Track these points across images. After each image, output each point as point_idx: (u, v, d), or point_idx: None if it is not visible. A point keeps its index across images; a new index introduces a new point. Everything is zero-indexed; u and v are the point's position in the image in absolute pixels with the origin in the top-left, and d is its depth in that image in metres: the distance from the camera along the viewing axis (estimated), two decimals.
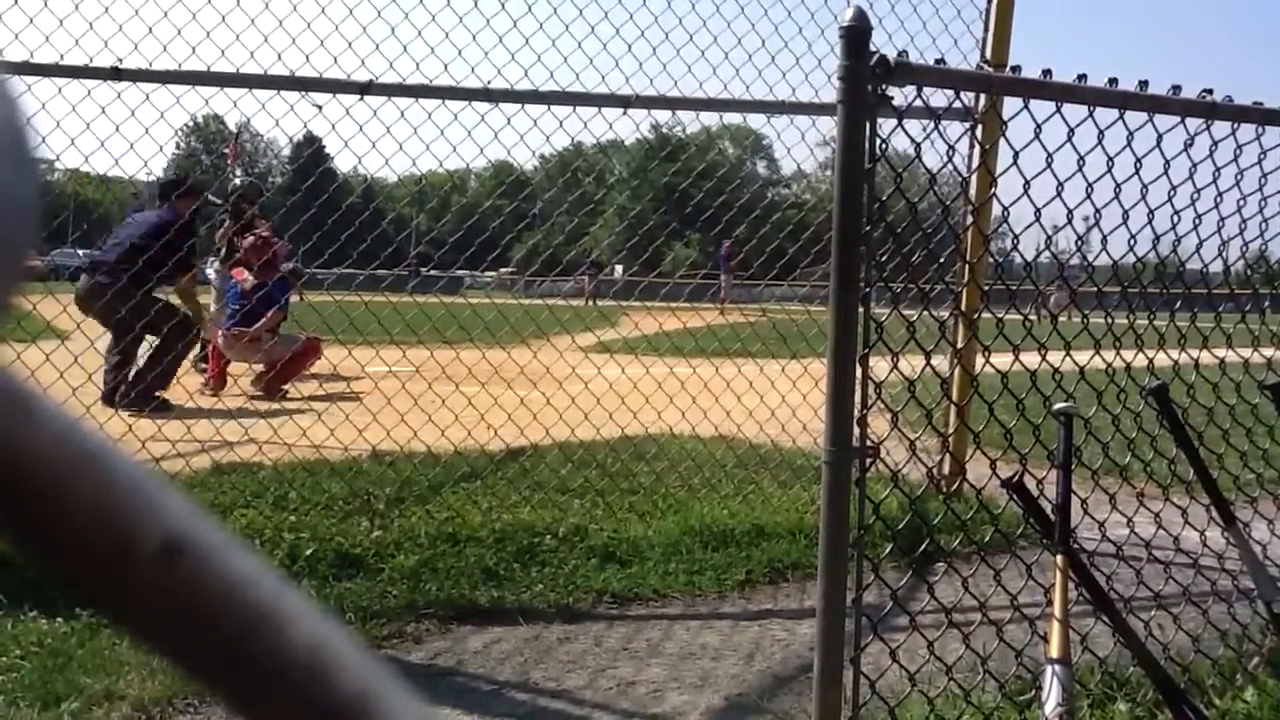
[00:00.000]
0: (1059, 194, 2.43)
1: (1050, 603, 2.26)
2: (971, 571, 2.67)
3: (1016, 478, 2.33)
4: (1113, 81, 2.37)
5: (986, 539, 2.96)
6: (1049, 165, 2.36)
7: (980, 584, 2.51)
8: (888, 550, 2.85)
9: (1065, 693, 2.12)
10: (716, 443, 5.45)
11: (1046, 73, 2.31)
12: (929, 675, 2.37)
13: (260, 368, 8.19)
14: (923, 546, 2.85)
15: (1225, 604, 2.78)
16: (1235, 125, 2.53)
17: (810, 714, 2.18)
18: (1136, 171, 2.48)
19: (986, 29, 4.44)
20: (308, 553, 3.58)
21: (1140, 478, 2.80)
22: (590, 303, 19.13)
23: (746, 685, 2.85)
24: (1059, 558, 2.26)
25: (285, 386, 8.18)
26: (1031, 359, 2.43)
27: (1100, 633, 2.44)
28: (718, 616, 3.38)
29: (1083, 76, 2.34)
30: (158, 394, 6.77)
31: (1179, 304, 2.80)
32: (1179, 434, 2.53)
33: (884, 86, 2.11)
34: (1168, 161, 2.53)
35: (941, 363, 3.12)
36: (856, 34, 2.07)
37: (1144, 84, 2.40)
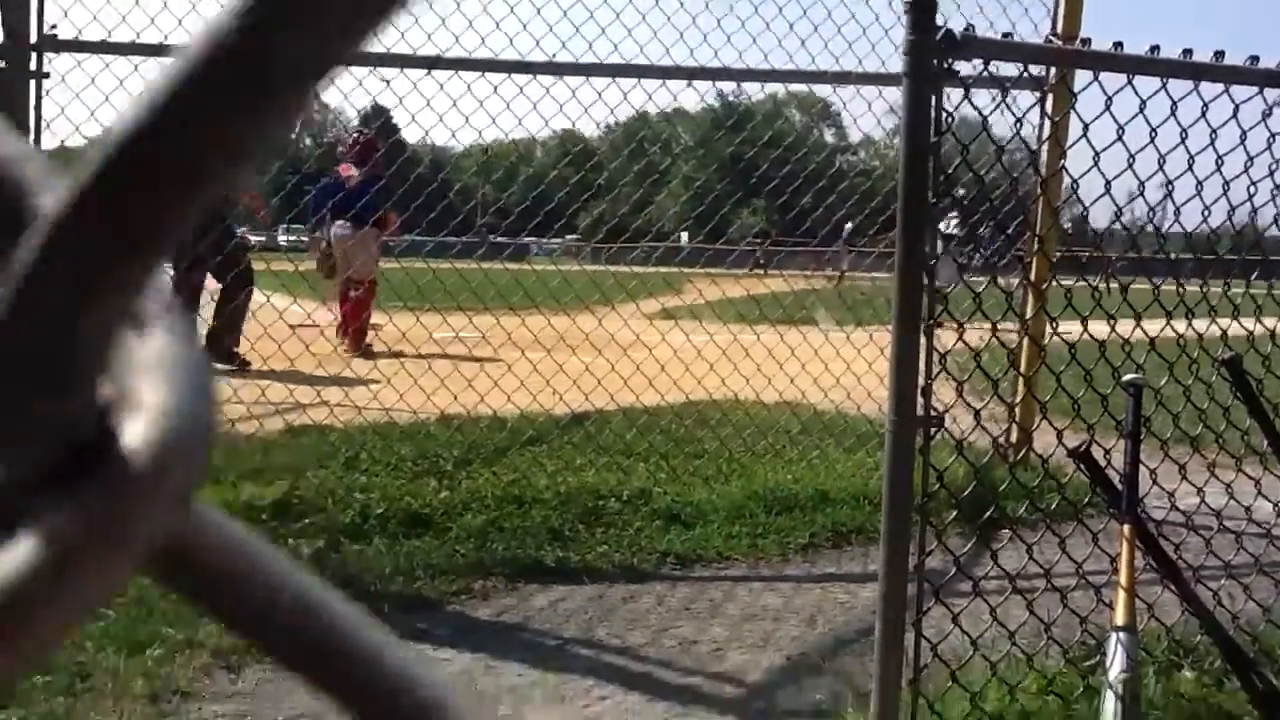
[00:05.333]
0: (1130, 166, 2.40)
1: (1116, 570, 2.26)
2: (1037, 539, 2.69)
3: (1084, 447, 2.33)
4: (1187, 53, 2.33)
5: (1052, 506, 2.97)
6: (1120, 137, 2.34)
7: (1045, 551, 2.51)
8: (952, 517, 2.87)
9: (1130, 659, 2.12)
10: (781, 409, 5.46)
11: (1118, 45, 2.28)
12: (991, 640, 2.38)
13: (338, 335, 8.33)
14: (987, 513, 2.85)
15: None
16: None
17: (872, 675, 2.21)
18: (1212, 142, 2.44)
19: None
20: (378, 512, 3.68)
21: (1211, 448, 2.77)
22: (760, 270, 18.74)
23: (808, 646, 2.89)
24: (1125, 527, 2.26)
25: (369, 340, 8.31)
26: (1101, 329, 2.41)
27: (1167, 601, 2.43)
28: (780, 579, 3.41)
29: (1155, 48, 2.31)
30: (235, 350, 6.96)
31: (1255, 273, 2.76)
32: (1253, 405, 2.50)
33: (950, 61, 2.11)
34: (1244, 132, 2.49)
35: (1008, 333, 3.11)
36: (922, 7, 2.07)
37: (1220, 54, 2.36)
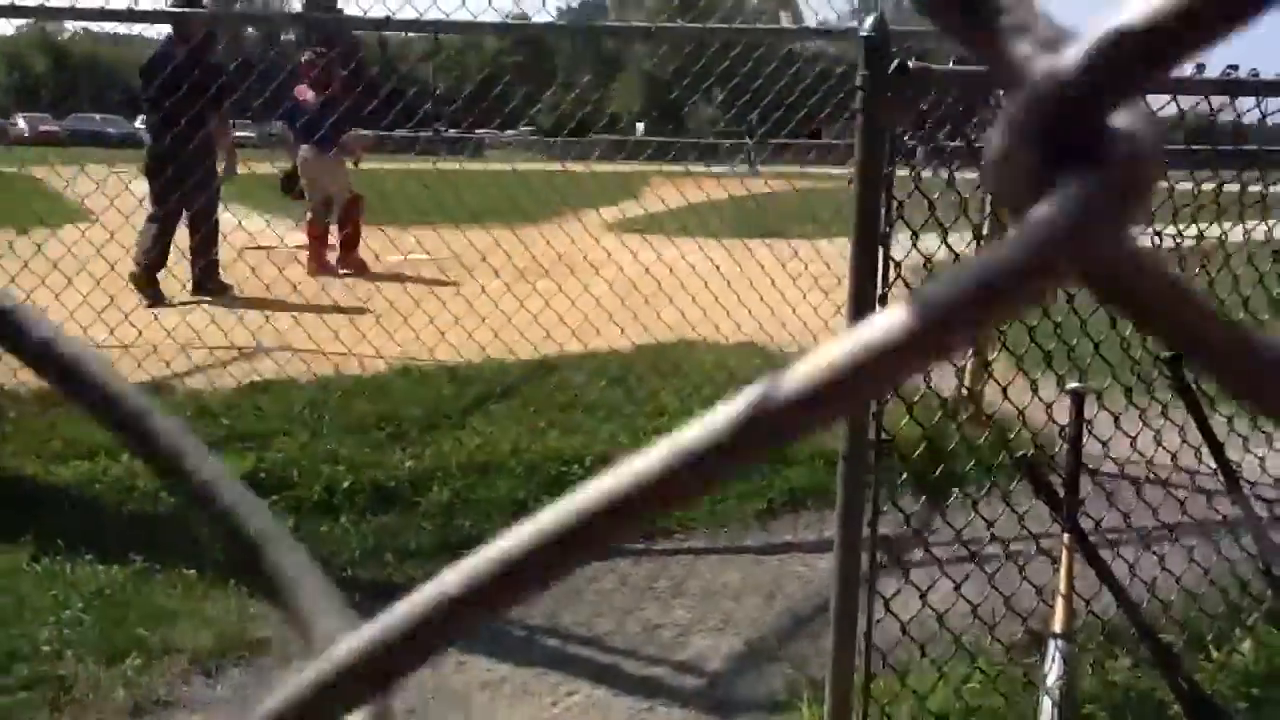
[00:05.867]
0: None
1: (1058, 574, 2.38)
2: (984, 492, 2.85)
3: (1028, 456, 2.42)
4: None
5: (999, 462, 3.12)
6: None
7: (996, 509, 2.64)
8: (902, 478, 2.98)
9: (1066, 666, 2.25)
10: (739, 350, 5.55)
11: None
12: (948, 604, 2.49)
13: (335, 257, 8.45)
14: (937, 472, 2.96)
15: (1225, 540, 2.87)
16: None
17: (828, 654, 2.31)
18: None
19: None
20: (345, 485, 3.74)
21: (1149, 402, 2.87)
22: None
23: (767, 628, 3.02)
24: (1066, 536, 2.37)
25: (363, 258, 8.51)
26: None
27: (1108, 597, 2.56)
28: (739, 550, 3.53)
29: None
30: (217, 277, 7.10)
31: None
32: (1194, 410, 2.59)
33: (904, 93, 2.12)
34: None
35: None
36: (876, 44, 2.07)
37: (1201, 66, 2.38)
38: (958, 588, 2.54)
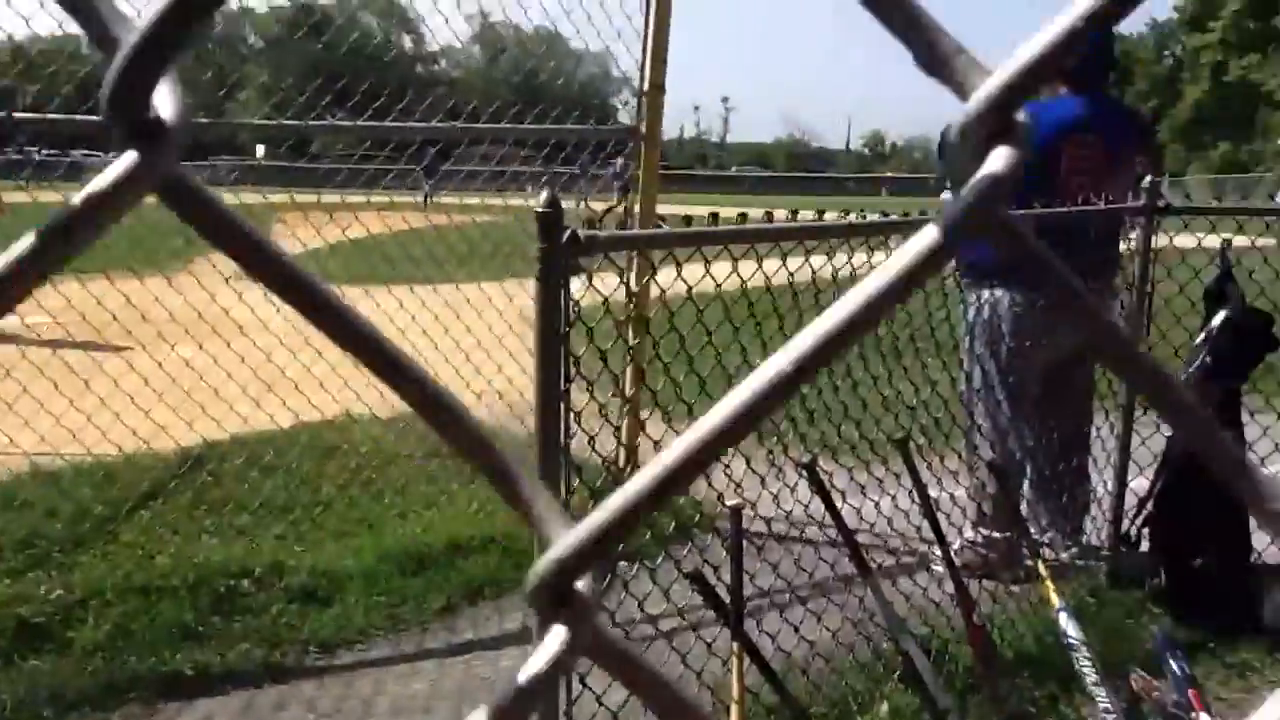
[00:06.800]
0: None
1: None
2: (657, 564, 3.11)
3: (696, 570, 2.69)
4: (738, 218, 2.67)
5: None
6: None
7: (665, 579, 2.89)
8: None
9: None
10: (397, 423, 5.52)
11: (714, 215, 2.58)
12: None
13: None
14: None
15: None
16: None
17: None
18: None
19: (645, 52, 4.67)
20: None
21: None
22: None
23: None
24: (734, 644, 2.65)
25: None
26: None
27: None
28: (424, 655, 3.57)
29: (715, 215, 2.64)
30: None
31: None
32: (829, 505, 2.96)
33: (576, 259, 2.32)
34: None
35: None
36: (549, 219, 2.25)
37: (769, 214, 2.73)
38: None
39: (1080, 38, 0.35)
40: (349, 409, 5.40)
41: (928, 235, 0.36)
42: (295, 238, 5.46)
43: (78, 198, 0.31)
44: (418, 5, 30.39)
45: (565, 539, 0.35)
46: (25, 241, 0.31)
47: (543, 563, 0.35)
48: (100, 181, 0.31)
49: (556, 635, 0.34)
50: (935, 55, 0.36)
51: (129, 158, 0.31)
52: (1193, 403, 0.39)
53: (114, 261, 5.07)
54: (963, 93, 0.36)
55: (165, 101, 0.32)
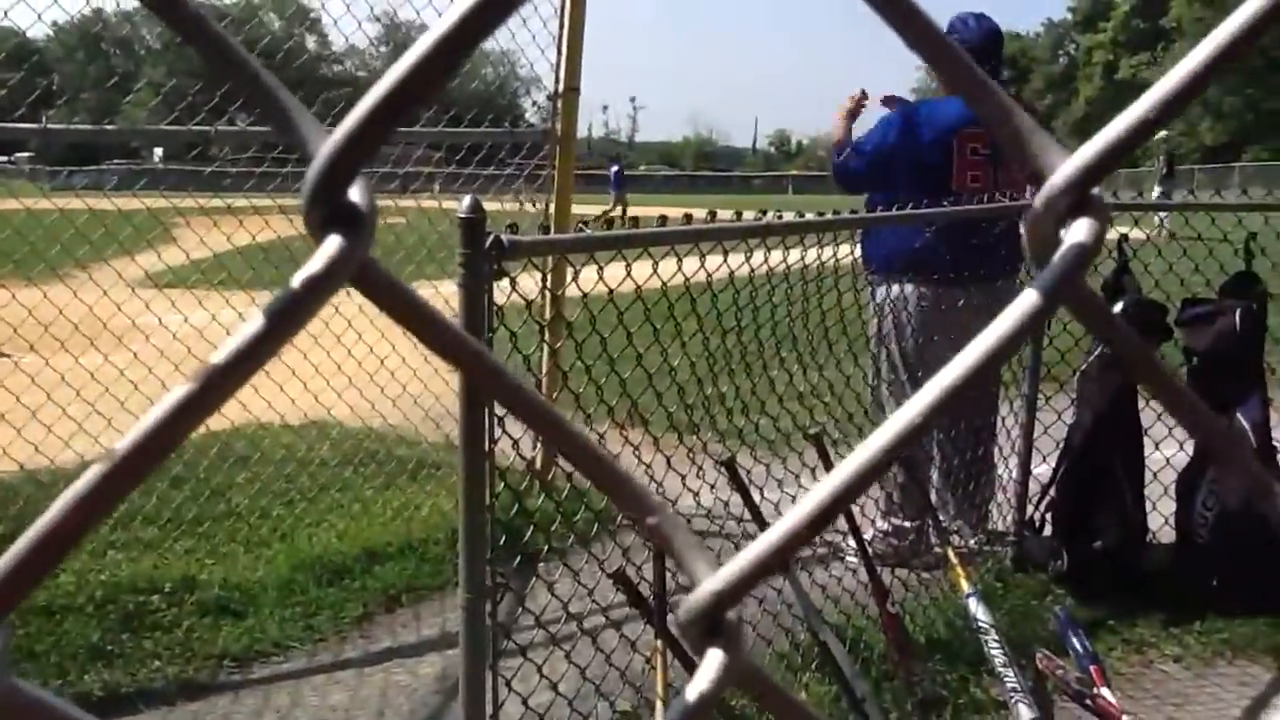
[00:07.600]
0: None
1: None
2: (579, 568, 3.09)
3: (620, 569, 2.70)
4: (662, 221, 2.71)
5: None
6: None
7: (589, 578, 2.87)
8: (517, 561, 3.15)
9: None
10: (309, 431, 5.44)
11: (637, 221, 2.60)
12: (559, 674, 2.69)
13: None
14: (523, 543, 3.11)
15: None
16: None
17: None
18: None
19: (560, 54, 4.68)
20: None
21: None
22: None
23: None
24: (658, 641, 2.67)
25: None
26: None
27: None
28: (342, 665, 3.53)
29: (635, 220, 2.67)
30: None
31: None
32: (749, 504, 3.00)
33: (499, 264, 2.31)
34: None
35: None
36: (473, 224, 2.24)
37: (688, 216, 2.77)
38: (568, 655, 2.78)
39: (1152, 128, 0.40)
40: (259, 417, 5.29)
41: (1028, 299, 0.40)
42: (204, 245, 5.33)
43: (295, 282, 0.33)
44: (325, 6, 29.64)
45: (721, 573, 0.39)
46: (253, 325, 0.32)
47: (699, 595, 0.39)
48: (313, 266, 0.33)
49: (714, 658, 0.38)
50: (1009, 130, 0.40)
51: (334, 242, 0.33)
52: (1250, 459, 0.44)
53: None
54: (1038, 166, 0.40)
55: (358, 192, 0.34)
